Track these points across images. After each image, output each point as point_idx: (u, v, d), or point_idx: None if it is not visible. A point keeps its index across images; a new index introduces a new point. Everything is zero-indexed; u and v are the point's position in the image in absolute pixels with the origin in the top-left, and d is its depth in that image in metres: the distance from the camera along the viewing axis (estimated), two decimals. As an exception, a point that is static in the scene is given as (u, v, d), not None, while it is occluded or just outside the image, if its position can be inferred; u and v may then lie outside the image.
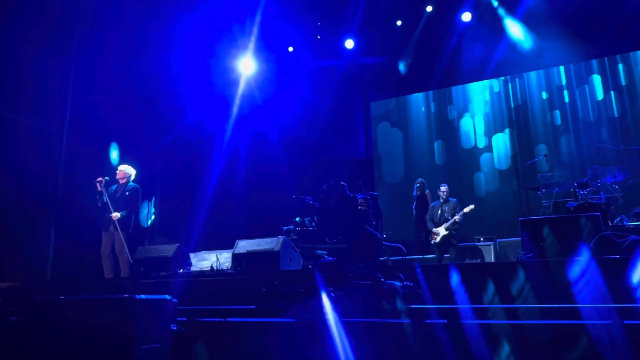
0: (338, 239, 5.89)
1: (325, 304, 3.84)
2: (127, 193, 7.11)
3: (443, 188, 8.54)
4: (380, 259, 7.90)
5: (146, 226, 9.80)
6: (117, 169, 7.35)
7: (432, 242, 8.39)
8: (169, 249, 6.49)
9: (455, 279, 4.34)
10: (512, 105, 11.06)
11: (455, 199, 8.54)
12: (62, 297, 3.85)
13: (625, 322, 3.16)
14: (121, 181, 7.20)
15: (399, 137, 12.14)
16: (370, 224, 5.40)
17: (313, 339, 3.76)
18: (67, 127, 8.43)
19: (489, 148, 11.13)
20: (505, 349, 3.17)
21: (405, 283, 4.19)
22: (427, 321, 3.65)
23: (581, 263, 4.00)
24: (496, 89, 11.31)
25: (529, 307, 3.80)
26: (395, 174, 11.98)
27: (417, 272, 4.47)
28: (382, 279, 4.10)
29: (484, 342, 3.22)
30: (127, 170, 7.28)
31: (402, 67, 11.80)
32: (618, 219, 7.47)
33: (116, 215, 6.84)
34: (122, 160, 8.58)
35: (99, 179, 6.96)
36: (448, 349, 3.29)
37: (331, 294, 3.94)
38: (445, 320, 3.56)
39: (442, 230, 8.26)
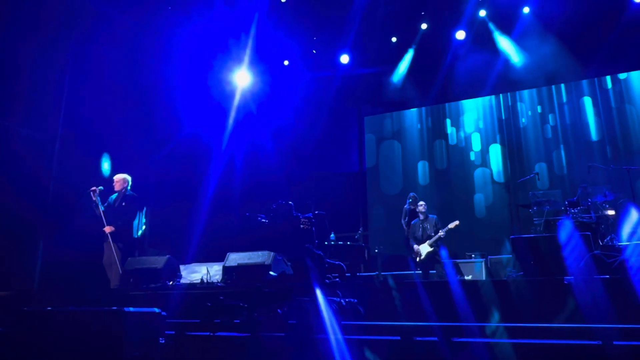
0: (284, 257, 6.06)
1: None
2: (123, 203, 7.09)
3: (421, 203, 8.51)
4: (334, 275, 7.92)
5: (136, 236, 9.72)
6: (114, 179, 7.31)
7: (417, 260, 8.32)
8: (159, 261, 6.43)
9: (448, 295, 4.35)
10: (505, 124, 11.17)
11: (435, 216, 8.50)
12: (50, 307, 3.80)
13: (615, 342, 3.17)
14: (121, 191, 7.19)
15: (392, 152, 12.19)
16: (313, 243, 5.58)
17: (302, 353, 3.74)
18: (59, 136, 8.40)
19: (481, 165, 11.21)
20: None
21: (348, 300, 4.31)
22: (418, 338, 3.64)
23: (571, 280, 4.02)
24: (489, 106, 11.42)
25: (520, 326, 3.81)
26: (389, 189, 12.01)
27: (418, 287, 4.53)
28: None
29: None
30: (125, 179, 7.27)
31: (396, 83, 11.91)
32: (608, 238, 7.51)
33: (109, 228, 6.82)
34: (115, 170, 8.54)
35: (93, 188, 6.93)
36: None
37: (278, 310, 4.05)
38: (435, 338, 3.55)
39: (425, 247, 8.21)
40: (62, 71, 8.51)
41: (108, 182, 7.37)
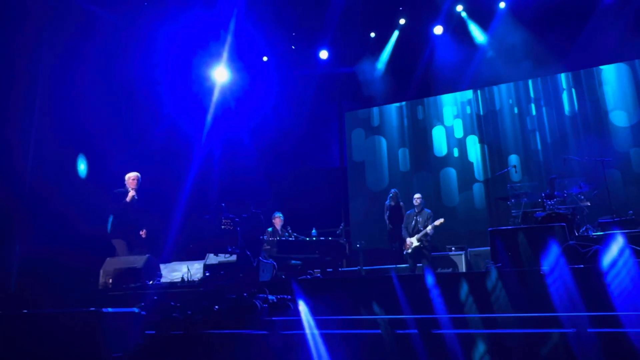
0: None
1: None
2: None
3: (417, 196, 8.61)
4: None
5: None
6: (130, 177, 7.16)
7: (405, 252, 8.42)
8: (138, 260, 6.36)
9: (427, 288, 4.41)
10: (483, 118, 11.30)
11: (430, 210, 8.60)
12: (26, 310, 3.74)
13: (589, 329, 3.24)
14: (135, 190, 7.11)
15: (373, 147, 12.25)
16: (235, 243, 5.73)
17: (289, 351, 3.75)
18: (34, 133, 8.21)
19: (459, 158, 11.33)
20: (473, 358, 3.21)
21: (280, 296, 4.46)
22: (401, 331, 3.67)
23: (547, 272, 4.10)
24: (467, 100, 11.54)
25: (497, 317, 3.87)
26: (370, 183, 12.06)
27: (394, 281, 4.59)
28: (245, 294, 4.39)
29: (451, 351, 3.25)
30: (139, 177, 7.18)
31: (376, 78, 11.94)
32: (584, 229, 7.67)
33: (145, 232, 6.97)
34: (92, 166, 8.45)
35: (132, 193, 6.95)
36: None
37: (215, 307, 4.16)
38: (415, 331, 3.59)
39: (414, 241, 8.31)
40: (37, 65, 8.31)
41: (87, 180, 7.27)
